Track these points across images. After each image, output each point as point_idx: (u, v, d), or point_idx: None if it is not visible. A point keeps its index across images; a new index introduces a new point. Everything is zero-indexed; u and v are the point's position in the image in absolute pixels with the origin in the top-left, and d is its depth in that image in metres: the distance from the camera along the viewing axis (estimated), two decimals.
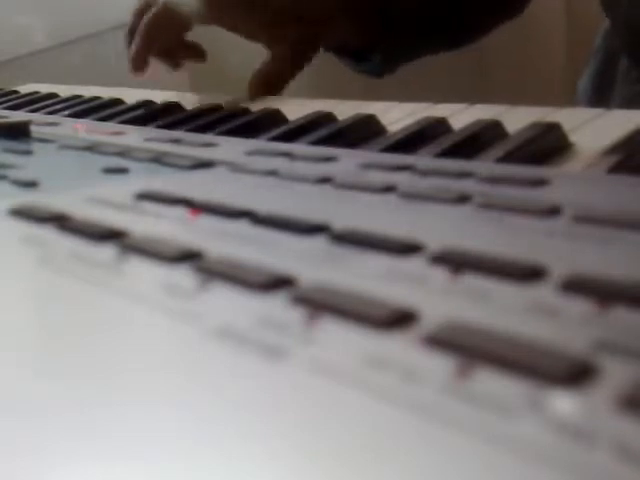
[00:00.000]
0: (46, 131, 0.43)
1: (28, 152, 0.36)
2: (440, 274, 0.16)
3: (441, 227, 0.20)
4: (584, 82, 0.70)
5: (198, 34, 0.64)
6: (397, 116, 0.42)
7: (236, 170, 0.29)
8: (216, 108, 0.51)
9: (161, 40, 0.60)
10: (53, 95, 0.66)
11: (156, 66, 0.61)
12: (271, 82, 0.58)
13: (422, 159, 0.30)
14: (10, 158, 0.33)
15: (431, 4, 0.64)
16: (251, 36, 0.61)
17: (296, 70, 0.59)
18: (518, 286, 0.15)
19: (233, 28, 0.60)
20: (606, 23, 0.67)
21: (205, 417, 0.10)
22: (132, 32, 0.61)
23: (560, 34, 1.27)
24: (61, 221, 0.21)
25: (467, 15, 0.66)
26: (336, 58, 0.67)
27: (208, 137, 0.40)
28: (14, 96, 0.69)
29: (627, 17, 0.59)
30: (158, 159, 0.32)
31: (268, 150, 0.33)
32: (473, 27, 0.69)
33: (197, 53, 0.65)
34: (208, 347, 0.13)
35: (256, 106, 0.49)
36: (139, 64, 0.59)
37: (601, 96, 0.66)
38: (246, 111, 0.49)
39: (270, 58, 0.59)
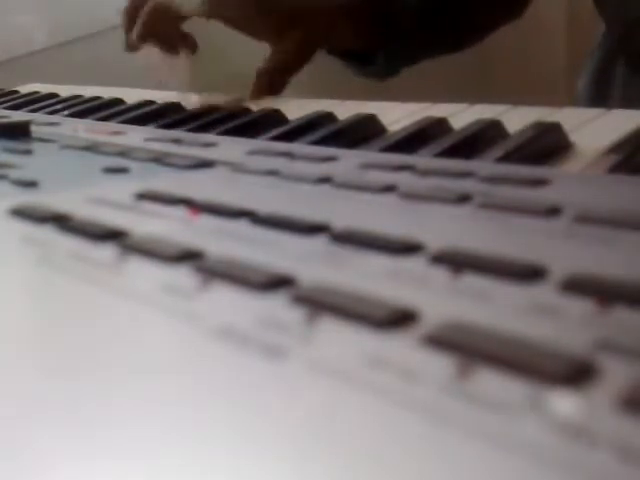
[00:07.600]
0: (46, 131, 0.43)
1: (28, 152, 0.36)
2: (440, 274, 0.16)
3: (441, 227, 0.20)
4: (584, 80, 0.70)
5: (200, 34, 0.64)
6: (397, 116, 0.42)
7: (236, 170, 0.29)
8: (216, 108, 0.51)
9: (159, 29, 0.62)
10: (53, 95, 0.66)
11: (152, 50, 0.63)
12: (274, 80, 0.59)
13: (422, 159, 0.30)
14: (10, 158, 0.33)
15: (433, 6, 0.64)
16: (252, 34, 0.62)
17: (297, 67, 0.60)
18: (518, 286, 0.15)
19: (233, 25, 0.61)
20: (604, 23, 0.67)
21: (205, 417, 0.10)
22: (129, 13, 0.63)
23: (560, 34, 1.27)
24: (61, 221, 0.21)
25: (468, 16, 0.67)
26: (340, 62, 0.68)
27: (208, 137, 0.40)
28: (14, 96, 0.69)
29: (620, 15, 0.59)
30: (158, 159, 0.32)
31: (268, 150, 0.32)
32: (474, 29, 0.70)
33: (190, 44, 0.66)
34: (208, 347, 0.13)
35: (256, 106, 0.49)
36: (135, 47, 0.62)
37: (601, 93, 0.66)
38: (246, 111, 0.49)
39: (272, 55, 0.60)
